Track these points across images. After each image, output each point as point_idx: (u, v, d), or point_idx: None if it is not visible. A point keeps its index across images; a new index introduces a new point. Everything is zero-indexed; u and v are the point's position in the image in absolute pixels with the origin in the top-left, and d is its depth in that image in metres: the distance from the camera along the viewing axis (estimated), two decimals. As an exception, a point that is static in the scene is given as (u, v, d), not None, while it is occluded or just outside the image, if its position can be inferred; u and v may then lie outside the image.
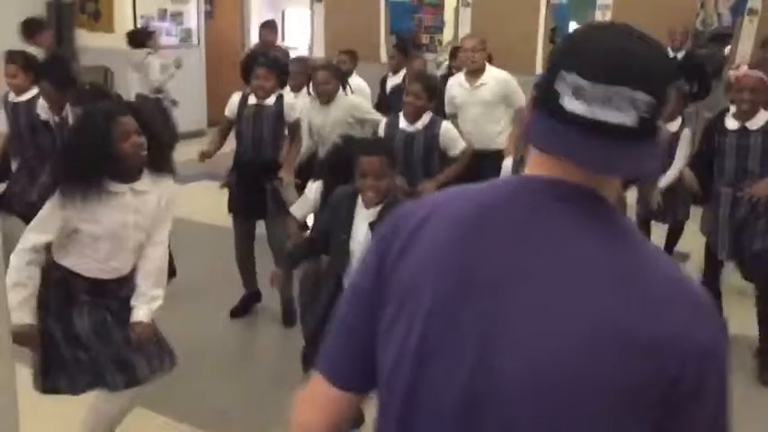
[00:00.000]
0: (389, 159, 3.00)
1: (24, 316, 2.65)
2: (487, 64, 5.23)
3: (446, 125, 4.36)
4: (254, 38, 9.48)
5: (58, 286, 2.76)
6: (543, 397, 0.99)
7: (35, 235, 2.69)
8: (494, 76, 5.13)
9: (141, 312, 2.78)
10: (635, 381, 0.97)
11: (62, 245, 2.74)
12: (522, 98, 4.99)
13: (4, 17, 7.45)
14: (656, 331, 0.98)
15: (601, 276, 1.01)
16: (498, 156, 4.90)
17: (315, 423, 1.19)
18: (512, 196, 1.09)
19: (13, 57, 4.86)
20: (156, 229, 2.86)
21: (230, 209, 4.65)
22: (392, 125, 4.37)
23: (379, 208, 2.96)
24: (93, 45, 9.56)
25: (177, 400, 3.54)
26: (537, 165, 1.10)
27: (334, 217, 3.12)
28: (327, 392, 1.18)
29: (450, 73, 6.40)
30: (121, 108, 2.78)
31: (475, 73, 5.10)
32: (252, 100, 4.46)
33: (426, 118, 4.28)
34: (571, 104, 1.02)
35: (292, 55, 7.27)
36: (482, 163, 4.52)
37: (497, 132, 5.07)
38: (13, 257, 2.66)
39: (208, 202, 6.08)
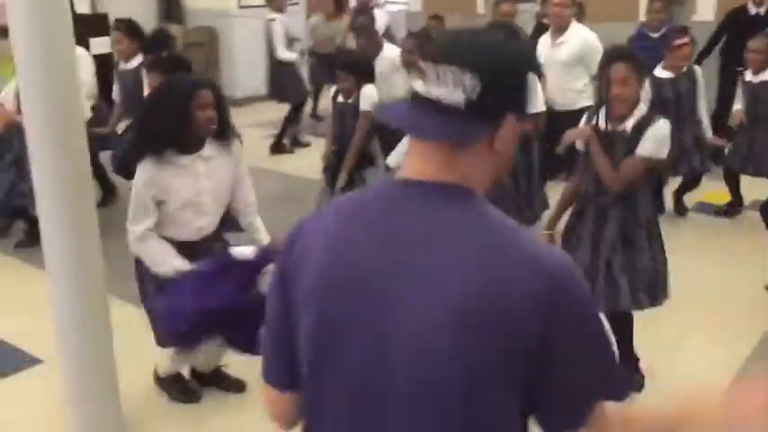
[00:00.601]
0: None
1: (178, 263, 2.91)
2: (574, 21, 5.02)
3: None
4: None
5: None
6: (425, 368, 1.10)
7: (138, 225, 2.92)
8: (576, 34, 4.93)
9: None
10: (503, 343, 1.09)
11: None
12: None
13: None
14: (511, 297, 1.08)
15: (463, 256, 1.11)
16: (579, 115, 4.64)
17: (278, 421, 1.34)
18: (377, 200, 1.21)
19: (118, 24, 5.16)
20: (237, 188, 3.14)
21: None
22: None
23: None
24: (201, 6, 9.93)
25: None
26: (406, 155, 1.22)
27: None
28: (275, 396, 1.30)
29: (541, 26, 6.25)
30: (204, 82, 2.99)
31: (558, 30, 4.93)
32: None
33: None
34: (416, 85, 1.17)
35: (388, 11, 7.17)
36: (562, 123, 4.31)
37: (576, 92, 4.90)
38: (134, 248, 2.93)
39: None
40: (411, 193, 1.17)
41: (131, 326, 3.39)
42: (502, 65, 1.15)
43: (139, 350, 3.31)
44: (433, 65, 1.14)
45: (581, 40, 4.94)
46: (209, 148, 2.99)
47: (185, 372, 3.46)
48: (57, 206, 2.54)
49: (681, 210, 5.65)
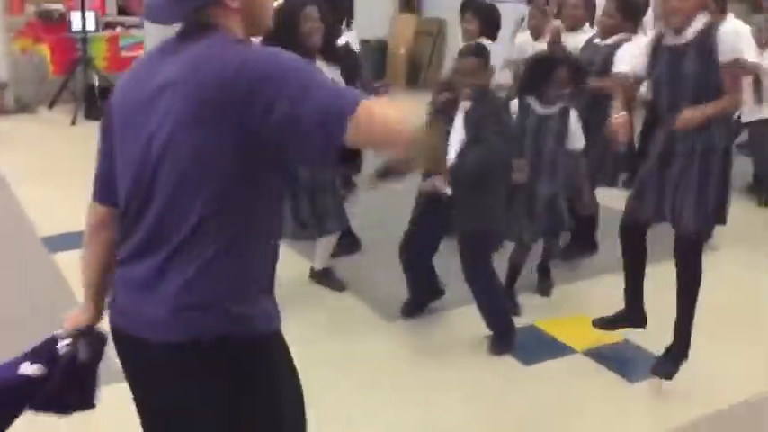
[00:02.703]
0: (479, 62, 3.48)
1: None
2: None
3: None
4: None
5: None
6: (167, 152, 1.45)
7: None
8: None
9: None
10: (225, 120, 1.40)
11: None
12: None
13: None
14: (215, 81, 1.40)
15: (183, 66, 1.45)
16: None
17: (89, 226, 1.72)
18: (161, 46, 1.58)
19: None
20: None
21: None
22: None
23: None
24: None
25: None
26: None
27: None
28: (97, 208, 1.68)
29: None
30: (309, 1, 3.57)
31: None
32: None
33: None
34: None
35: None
36: None
37: None
38: None
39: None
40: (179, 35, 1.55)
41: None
42: None
43: None
44: None
45: None
46: (319, 64, 3.40)
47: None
48: None
49: None
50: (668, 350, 3.21)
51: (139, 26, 8.63)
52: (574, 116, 3.79)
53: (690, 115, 2.93)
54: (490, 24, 4.64)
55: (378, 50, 10.42)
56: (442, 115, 3.44)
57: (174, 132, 1.43)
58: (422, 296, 3.87)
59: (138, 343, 1.53)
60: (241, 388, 1.54)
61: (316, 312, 3.89)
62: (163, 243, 1.48)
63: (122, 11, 9.53)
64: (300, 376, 1.73)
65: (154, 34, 6.63)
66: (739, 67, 2.97)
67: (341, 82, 3.65)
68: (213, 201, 1.45)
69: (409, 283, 3.82)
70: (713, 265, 3.21)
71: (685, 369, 3.19)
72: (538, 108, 3.77)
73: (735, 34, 2.95)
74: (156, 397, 1.61)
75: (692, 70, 2.95)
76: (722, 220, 3.16)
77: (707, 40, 2.92)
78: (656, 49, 3.11)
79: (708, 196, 3.01)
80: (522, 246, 3.99)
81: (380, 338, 3.67)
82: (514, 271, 4.03)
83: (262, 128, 1.39)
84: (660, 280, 3.30)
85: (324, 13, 3.67)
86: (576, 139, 3.82)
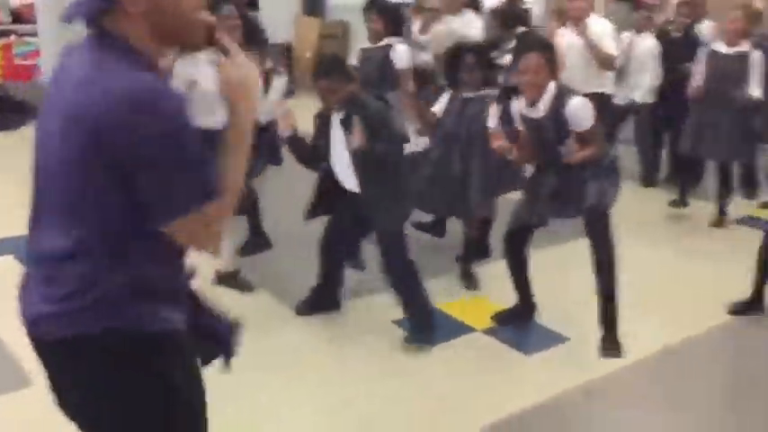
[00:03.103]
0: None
1: None
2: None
3: None
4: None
5: None
6: (50, 160, 1.51)
7: None
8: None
9: None
10: (91, 143, 1.41)
11: None
12: None
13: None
14: (93, 114, 1.39)
15: (76, 84, 1.45)
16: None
17: None
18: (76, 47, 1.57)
19: None
20: None
21: None
22: None
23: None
24: (338, 2, 10.54)
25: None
26: None
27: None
28: None
29: None
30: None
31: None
32: None
33: None
34: None
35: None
36: None
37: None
38: None
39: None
40: (86, 41, 1.54)
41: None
42: None
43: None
44: None
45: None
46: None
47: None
48: None
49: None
50: (603, 338, 3.54)
51: (34, 34, 8.45)
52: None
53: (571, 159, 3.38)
54: (395, 23, 4.82)
55: (283, 54, 10.50)
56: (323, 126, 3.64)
57: (56, 148, 1.47)
58: (325, 293, 3.90)
59: (39, 344, 1.58)
60: (131, 383, 1.57)
61: (232, 310, 3.93)
62: (47, 251, 1.53)
63: (17, 19, 9.28)
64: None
65: (50, 42, 6.53)
66: (590, 132, 3.37)
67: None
68: (91, 212, 1.47)
69: (319, 276, 3.88)
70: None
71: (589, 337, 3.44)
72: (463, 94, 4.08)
73: (582, 107, 3.36)
74: (64, 394, 1.65)
75: (552, 137, 3.41)
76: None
77: (560, 114, 3.35)
78: (509, 113, 3.57)
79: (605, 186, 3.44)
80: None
81: (296, 332, 3.78)
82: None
83: (121, 169, 1.43)
84: (556, 259, 3.55)
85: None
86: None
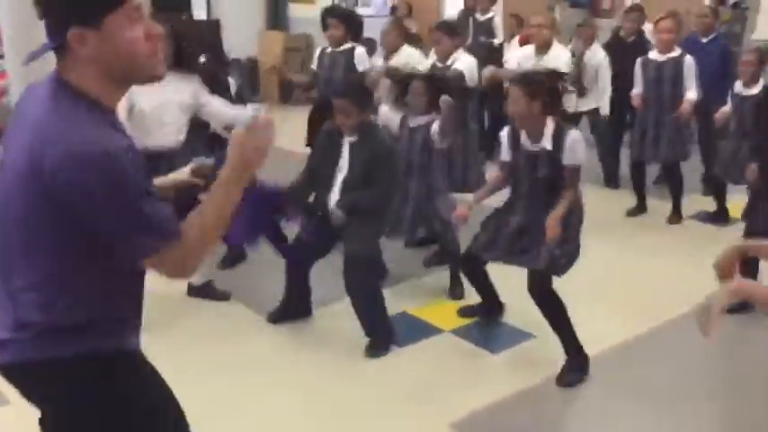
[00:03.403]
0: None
1: None
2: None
3: None
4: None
5: None
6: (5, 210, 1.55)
7: None
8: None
9: None
10: (36, 196, 1.48)
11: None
12: None
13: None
14: (39, 166, 1.45)
15: (28, 130, 1.49)
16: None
17: None
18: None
19: None
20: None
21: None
22: None
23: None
24: (300, 15, 10.66)
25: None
26: None
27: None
28: None
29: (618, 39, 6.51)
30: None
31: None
32: None
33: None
34: None
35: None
36: None
37: None
38: None
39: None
40: (44, 85, 1.57)
41: None
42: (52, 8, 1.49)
43: None
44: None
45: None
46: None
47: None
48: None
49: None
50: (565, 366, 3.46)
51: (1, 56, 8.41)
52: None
53: (552, 233, 3.25)
54: (355, 28, 4.98)
55: (249, 68, 10.57)
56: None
57: (9, 188, 1.54)
58: (294, 302, 3.97)
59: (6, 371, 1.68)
60: (95, 402, 1.66)
61: (207, 320, 4.03)
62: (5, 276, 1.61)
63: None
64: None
65: (17, 63, 6.52)
66: (576, 170, 3.42)
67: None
68: (49, 258, 1.55)
69: (287, 287, 3.95)
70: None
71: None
72: (410, 119, 4.16)
73: (579, 141, 3.42)
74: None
75: (545, 173, 3.43)
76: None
77: (560, 148, 3.38)
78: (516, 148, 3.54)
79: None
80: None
81: (268, 339, 3.86)
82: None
83: (74, 222, 1.51)
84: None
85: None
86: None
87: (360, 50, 5.15)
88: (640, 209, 5.86)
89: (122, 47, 1.52)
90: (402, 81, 4.32)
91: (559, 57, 5.53)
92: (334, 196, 3.69)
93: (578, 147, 3.41)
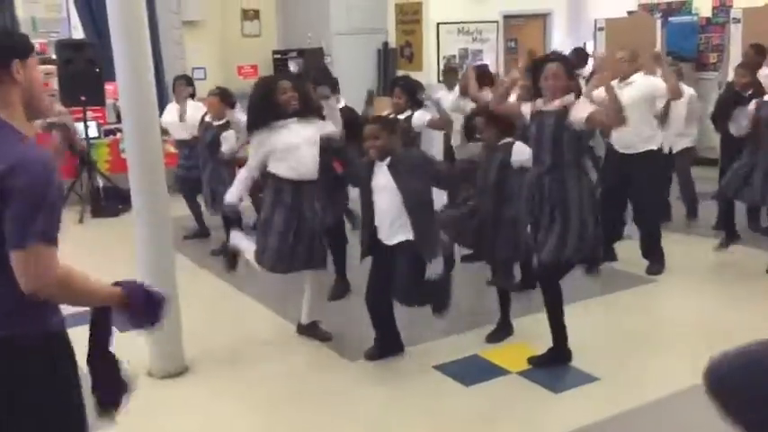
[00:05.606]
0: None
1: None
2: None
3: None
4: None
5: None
6: None
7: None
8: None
9: None
10: None
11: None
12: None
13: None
14: None
15: None
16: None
17: None
18: None
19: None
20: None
21: None
22: None
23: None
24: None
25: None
26: None
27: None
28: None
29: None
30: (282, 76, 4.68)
31: None
32: None
33: None
34: None
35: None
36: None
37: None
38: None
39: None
40: None
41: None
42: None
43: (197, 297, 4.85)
44: None
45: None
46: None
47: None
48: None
49: None
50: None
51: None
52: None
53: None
54: (415, 97, 5.51)
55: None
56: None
57: None
58: (386, 340, 4.26)
59: None
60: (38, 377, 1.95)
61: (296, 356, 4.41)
62: None
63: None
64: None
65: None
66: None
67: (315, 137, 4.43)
68: None
69: (374, 326, 4.23)
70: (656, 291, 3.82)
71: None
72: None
73: (583, 107, 3.91)
74: None
75: (552, 132, 3.93)
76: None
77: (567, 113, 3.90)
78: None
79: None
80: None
81: (352, 375, 4.18)
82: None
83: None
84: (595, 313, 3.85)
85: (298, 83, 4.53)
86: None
87: (417, 114, 5.46)
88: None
89: (35, 83, 1.97)
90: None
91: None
92: (389, 225, 4.01)
93: (581, 110, 3.91)
